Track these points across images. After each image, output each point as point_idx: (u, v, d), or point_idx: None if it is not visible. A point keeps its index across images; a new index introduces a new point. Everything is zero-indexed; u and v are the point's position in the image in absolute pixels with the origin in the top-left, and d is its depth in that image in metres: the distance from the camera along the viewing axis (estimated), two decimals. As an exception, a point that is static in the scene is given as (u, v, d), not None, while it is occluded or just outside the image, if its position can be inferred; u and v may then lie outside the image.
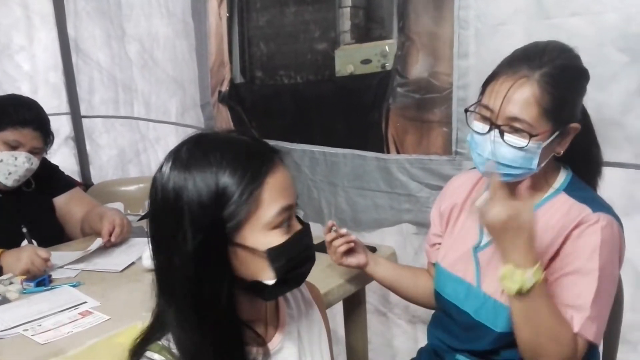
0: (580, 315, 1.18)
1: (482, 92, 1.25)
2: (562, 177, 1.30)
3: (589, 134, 1.31)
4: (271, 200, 0.85)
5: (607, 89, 1.64)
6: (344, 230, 1.55)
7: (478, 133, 1.23)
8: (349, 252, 1.56)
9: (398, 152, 2.18)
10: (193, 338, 0.84)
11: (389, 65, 2.20)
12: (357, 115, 2.31)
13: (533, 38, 1.71)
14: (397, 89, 2.13)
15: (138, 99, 3.45)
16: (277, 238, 0.86)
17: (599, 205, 1.22)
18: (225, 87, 2.83)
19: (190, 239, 0.81)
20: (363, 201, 2.30)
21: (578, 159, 1.30)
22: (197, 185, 0.81)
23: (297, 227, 0.90)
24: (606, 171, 1.66)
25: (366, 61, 2.28)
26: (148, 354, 0.85)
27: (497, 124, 1.19)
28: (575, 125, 1.22)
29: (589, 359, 1.27)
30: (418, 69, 2.08)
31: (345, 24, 2.40)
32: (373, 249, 1.91)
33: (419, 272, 1.62)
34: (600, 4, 1.61)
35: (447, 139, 2.01)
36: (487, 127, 1.21)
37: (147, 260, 1.77)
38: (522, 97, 1.16)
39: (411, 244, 2.17)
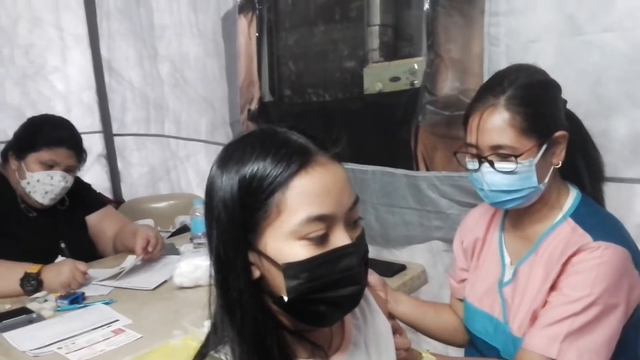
0: (546, 335, 1.16)
1: (465, 132, 1.29)
2: (571, 199, 1.28)
3: (585, 139, 1.31)
4: (297, 205, 0.74)
5: (641, 105, 1.62)
6: None
7: (472, 170, 1.27)
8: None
9: (427, 169, 2.17)
10: (235, 348, 0.77)
11: (417, 83, 2.20)
12: (386, 132, 2.31)
13: (564, 55, 1.72)
14: (427, 106, 2.12)
15: (169, 118, 3.51)
16: (301, 251, 0.74)
17: (603, 233, 1.18)
18: (254, 106, 2.86)
19: (214, 238, 0.77)
20: (392, 218, 2.29)
21: (580, 168, 1.30)
22: (224, 182, 0.76)
23: (340, 241, 0.76)
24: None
25: (395, 79, 2.28)
26: None
27: (484, 157, 1.22)
28: (561, 133, 1.22)
29: None
30: (447, 86, 2.07)
31: (374, 42, 2.41)
32: (402, 267, 1.90)
33: (441, 307, 1.58)
34: (633, 19, 1.59)
35: (477, 156, 2.00)
36: (477, 163, 1.24)
37: (178, 278, 1.78)
38: (494, 124, 1.19)
39: (442, 261, 2.15)
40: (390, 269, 1.88)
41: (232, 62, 2.94)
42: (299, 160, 0.75)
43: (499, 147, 1.20)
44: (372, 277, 1.28)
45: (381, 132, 2.34)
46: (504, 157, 1.20)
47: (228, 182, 0.76)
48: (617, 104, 1.66)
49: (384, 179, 2.29)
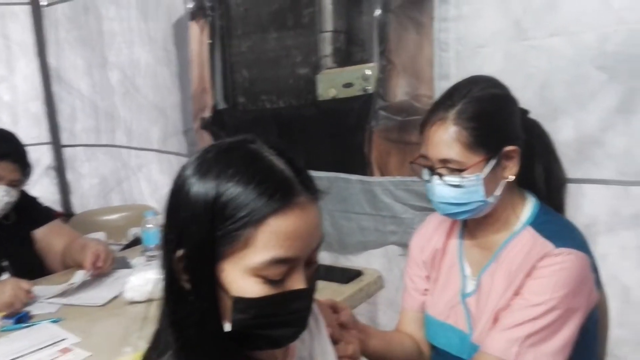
0: (505, 337, 1.16)
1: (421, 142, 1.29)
2: (529, 209, 1.29)
3: (547, 149, 1.31)
4: (265, 245, 0.71)
5: (587, 107, 1.66)
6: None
7: (425, 181, 1.27)
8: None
9: (382, 175, 2.17)
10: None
11: (370, 89, 2.20)
12: (341, 138, 2.31)
13: (512, 59, 1.75)
14: (380, 112, 2.13)
15: (120, 127, 3.43)
16: (255, 288, 0.72)
17: (564, 240, 1.19)
18: (208, 114, 2.82)
19: (173, 244, 0.74)
20: (348, 224, 2.29)
21: (538, 178, 1.30)
22: (200, 192, 0.72)
23: (296, 284, 0.74)
24: (589, 188, 1.68)
25: (348, 85, 2.28)
26: None
27: (434, 169, 1.23)
28: (511, 148, 1.22)
29: None
30: (399, 91, 2.08)
31: (327, 48, 2.41)
32: (359, 273, 1.90)
33: (401, 335, 1.48)
34: (577, 24, 1.63)
35: (430, 160, 2.01)
36: (429, 174, 1.26)
37: (130, 293, 1.73)
38: (442, 138, 1.20)
39: (397, 265, 2.15)
40: (347, 275, 1.87)
41: (184, 69, 2.89)
42: (280, 198, 0.72)
43: (446, 160, 1.20)
44: (345, 312, 1.25)
45: (335, 139, 2.33)
46: (452, 171, 1.21)
47: (204, 195, 0.72)
48: (563, 106, 1.69)
49: (339, 185, 2.28)
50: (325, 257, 2.35)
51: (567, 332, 1.16)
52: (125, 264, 2.13)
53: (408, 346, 1.43)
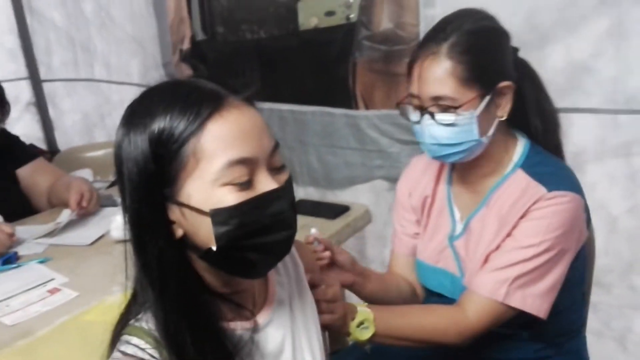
0: (494, 278, 1.16)
1: (407, 81, 1.21)
2: (520, 149, 1.25)
3: (537, 89, 1.26)
4: (215, 150, 0.71)
5: (576, 33, 1.61)
6: (319, 247, 1.27)
7: (414, 122, 1.21)
8: (330, 266, 1.31)
9: (367, 108, 2.14)
10: (157, 313, 0.75)
11: (353, 17, 2.14)
12: (324, 70, 2.26)
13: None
14: (363, 42, 2.07)
15: (98, 60, 3.33)
16: (228, 197, 0.71)
17: (556, 183, 1.16)
18: (186, 45, 2.74)
19: (128, 198, 0.73)
20: (334, 159, 2.27)
21: (533, 119, 1.25)
22: (132, 140, 0.72)
23: (267, 186, 0.74)
24: (577, 117, 1.66)
25: (330, 13, 2.21)
26: (125, 337, 0.77)
27: (425, 108, 1.17)
28: (506, 83, 1.17)
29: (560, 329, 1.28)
30: (383, 19, 2.02)
31: (307, -27, 2.32)
32: (346, 208, 1.89)
33: (397, 277, 1.46)
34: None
35: (415, 92, 1.97)
36: (419, 115, 1.18)
37: (116, 231, 1.73)
38: (435, 74, 1.13)
39: (385, 200, 2.16)
40: (334, 211, 1.87)
41: (159, -3, 2.78)
42: (210, 104, 0.72)
43: (439, 97, 1.14)
44: (343, 256, 1.26)
45: (318, 70, 2.29)
46: (445, 109, 1.14)
47: (136, 138, 0.72)
48: (552, 32, 1.64)
49: (324, 119, 2.25)
50: (312, 193, 2.36)
51: (557, 274, 1.16)
52: (112, 202, 2.10)
53: (403, 288, 1.43)
